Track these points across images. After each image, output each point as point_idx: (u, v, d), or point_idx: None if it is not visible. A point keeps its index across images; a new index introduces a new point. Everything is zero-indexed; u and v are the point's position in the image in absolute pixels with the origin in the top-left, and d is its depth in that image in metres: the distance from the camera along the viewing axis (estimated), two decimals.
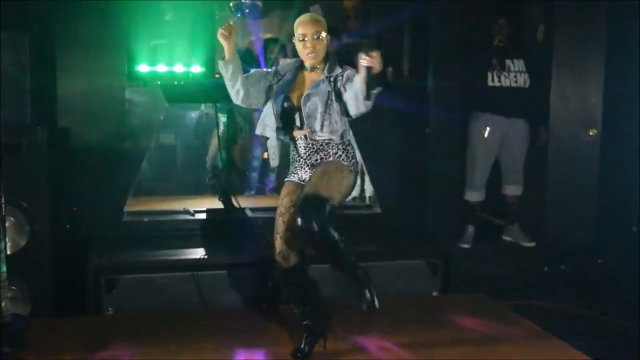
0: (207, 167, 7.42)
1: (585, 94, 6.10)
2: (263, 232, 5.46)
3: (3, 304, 3.92)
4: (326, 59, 3.94)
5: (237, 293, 4.93)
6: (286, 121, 3.96)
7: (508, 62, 5.98)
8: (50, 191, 4.69)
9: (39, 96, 4.72)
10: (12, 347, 3.94)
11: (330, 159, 3.90)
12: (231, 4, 7.03)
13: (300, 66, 4.00)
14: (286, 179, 4.07)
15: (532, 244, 6.09)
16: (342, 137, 3.91)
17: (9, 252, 4.23)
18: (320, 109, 3.84)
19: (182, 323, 4.59)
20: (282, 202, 3.96)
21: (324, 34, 3.87)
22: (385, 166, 5.92)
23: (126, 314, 4.77)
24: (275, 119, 3.94)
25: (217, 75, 5.75)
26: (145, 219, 5.65)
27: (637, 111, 5.63)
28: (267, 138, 4.04)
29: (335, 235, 3.65)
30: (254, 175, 7.72)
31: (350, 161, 3.93)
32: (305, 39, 3.84)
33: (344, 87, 3.80)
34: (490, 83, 5.97)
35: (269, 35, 7.46)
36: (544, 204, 6.19)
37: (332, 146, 3.91)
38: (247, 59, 6.40)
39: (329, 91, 3.84)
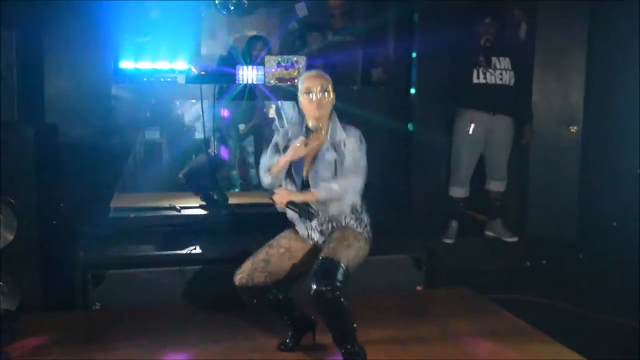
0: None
1: (567, 91, 6.16)
2: (248, 227, 5.53)
3: None
4: (329, 118, 3.86)
5: (223, 287, 4.96)
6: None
7: (494, 59, 6.04)
8: (37, 187, 4.71)
9: (26, 93, 4.72)
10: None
11: (343, 224, 3.86)
12: (217, 1, 7.04)
13: (307, 129, 3.85)
14: (290, 227, 4.02)
15: (515, 239, 6.15)
16: (351, 205, 3.87)
17: None
18: (327, 178, 3.79)
19: (168, 317, 4.64)
20: (279, 241, 3.95)
21: (330, 89, 3.82)
22: (369, 162, 5.95)
23: (113, 309, 4.79)
24: (296, 188, 3.85)
25: (202, 73, 5.79)
26: (132, 215, 5.67)
27: (618, 108, 5.70)
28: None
29: (347, 306, 3.56)
30: (234, 172, 7.77)
31: (364, 229, 3.88)
32: (311, 92, 3.78)
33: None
34: (475, 80, 6.03)
35: (253, 33, 7.48)
36: (525, 199, 6.26)
37: (344, 216, 3.86)
38: (232, 57, 6.44)
39: (335, 160, 3.78)
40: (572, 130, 6.14)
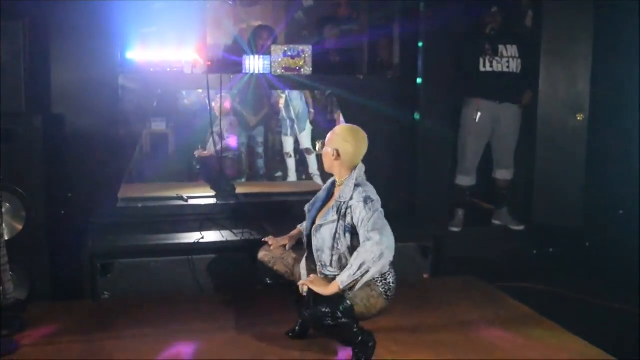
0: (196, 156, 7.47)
1: (574, 79, 6.15)
2: (255, 217, 5.55)
3: (5, 287, 3.98)
4: (349, 176, 3.71)
5: (231, 276, 4.99)
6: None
7: (501, 47, 6.04)
8: (45, 177, 4.73)
9: (33, 84, 4.74)
10: (10, 331, 4.01)
11: None
12: None
13: (334, 183, 3.84)
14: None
15: (521, 228, 6.16)
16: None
17: (6, 238, 4.27)
18: (328, 243, 3.65)
19: (177, 306, 4.66)
20: (290, 252, 3.95)
21: (329, 150, 3.71)
22: (375, 150, 5.96)
23: (122, 298, 4.83)
24: (307, 240, 3.82)
25: (208, 63, 5.80)
26: (139, 205, 5.70)
27: (624, 96, 5.69)
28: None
29: (346, 324, 3.50)
30: (243, 162, 7.80)
31: (383, 285, 3.62)
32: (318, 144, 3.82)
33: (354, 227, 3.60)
34: (482, 68, 6.03)
35: (259, 23, 7.49)
36: (532, 187, 6.25)
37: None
38: (237, 47, 6.46)
39: (335, 221, 3.61)
40: (578, 118, 6.14)
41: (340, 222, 3.60)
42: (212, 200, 5.82)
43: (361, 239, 3.54)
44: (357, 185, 3.65)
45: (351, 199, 3.60)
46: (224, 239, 5.17)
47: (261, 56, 5.68)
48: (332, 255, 3.64)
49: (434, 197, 6.02)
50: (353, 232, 3.60)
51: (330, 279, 3.58)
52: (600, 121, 6.04)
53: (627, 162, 5.59)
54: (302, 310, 3.61)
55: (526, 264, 5.88)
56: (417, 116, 6.04)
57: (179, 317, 4.45)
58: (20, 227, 4.63)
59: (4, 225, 4.24)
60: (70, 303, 4.75)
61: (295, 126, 7.85)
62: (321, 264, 3.72)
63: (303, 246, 3.94)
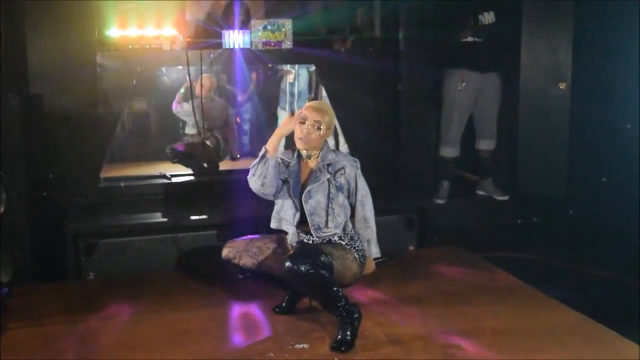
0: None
1: (555, 48, 6.13)
2: (238, 194, 5.53)
3: None
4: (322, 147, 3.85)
5: (215, 253, 4.98)
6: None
7: (480, 17, 5.99)
8: (25, 159, 4.68)
9: (9, 64, 4.67)
10: None
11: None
12: None
13: (299, 154, 3.89)
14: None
15: (505, 197, 6.17)
16: (344, 229, 3.83)
17: None
18: (322, 204, 3.78)
19: (162, 285, 4.67)
20: (280, 241, 3.93)
21: (323, 127, 3.76)
22: (359, 124, 5.95)
23: (106, 278, 4.81)
24: (295, 212, 3.82)
25: (188, 39, 5.73)
26: (122, 184, 5.66)
27: (606, 64, 5.68)
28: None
29: (322, 277, 3.53)
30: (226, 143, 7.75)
31: (356, 251, 3.83)
32: (305, 122, 3.75)
33: (355, 198, 3.86)
34: (463, 39, 5.99)
35: None
36: (515, 157, 6.26)
37: (336, 238, 3.82)
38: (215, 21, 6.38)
39: (327, 180, 3.78)
40: (560, 86, 6.13)
41: (332, 182, 3.78)
42: (195, 178, 5.79)
43: (357, 212, 3.87)
44: (334, 150, 3.93)
45: (339, 161, 3.83)
46: (208, 217, 5.16)
47: (241, 30, 5.62)
48: (327, 215, 3.78)
49: (417, 169, 6.02)
50: (342, 190, 3.82)
51: (325, 239, 3.79)
52: (583, 89, 6.03)
53: (610, 130, 5.59)
54: (283, 262, 3.59)
55: (511, 233, 5.90)
56: (399, 88, 6.01)
57: (164, 295, 4.45)
58: (1, 209, 4.57)
59: None
60: (56, 285, 4.73)
61: (295, 102, 7.86)
62: (315, 227, 3.79)
63: (264, 238, 3.96)
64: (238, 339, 3.82)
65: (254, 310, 4.17)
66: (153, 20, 5.50)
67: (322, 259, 3.58)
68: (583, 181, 5.99)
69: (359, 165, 3.90)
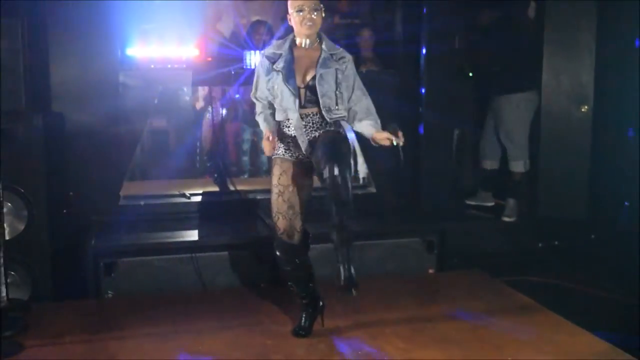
0: (202, 151, 7.41)
1: (577, 70, 6.11)
2: (258, 213, 5.53)
3: (2, 289, 3.95)
4: (318, 36, 3.95)
5: (235, 273, 4.97)
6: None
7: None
8: (46, 176, 4.70)
9: (33, 82, 4.71)
10: (12, 332, 3.98)
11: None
12: None
13: (292, 43, 3.97)
14: (275, 156, 3.99)
15: (512, 219, 6.10)
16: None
17: (7, 238, 4.24)
18: (333, 87, 3.88)
19: (181, 304, 4.63)
20: (279, 181, 3.92)
21: (322, 7, 3.87)
22: (379, 146, 5.92)
23: (126, 297, 4.81)
24: (294, 98, 3.86)
25: (209, 59, 5.77)
26: (142, 203, 5.67)
27: (628, 87, 5.65)
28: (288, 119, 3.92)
29: (350, 194, 3.63)
30: (245, 158, 7.76)
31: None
32: (303, 10, 3.81)
33: (353, 90, 3.95)
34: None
35: (257, 18, 7.46)
36: (537, 180, 6.21)
37: (340, 123, 3.96)
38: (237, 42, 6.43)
39: (336, 69, 3.88)
40: (582, 109, 6.09)
41: (339, 69, 3.90)
42: (215, 197, 5.79)
43: (359, 104, 3.97)
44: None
45: (341, 52, 3.98)
46: (228, 236, 5.15)
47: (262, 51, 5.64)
48: (337, 98, 3.89)
49: (438, 191, 5.99)
50: (346, 79, 3.95)
51: (334, 121, 3.91)
52: (605, 112, 5.99)
53: (632, 153, 5.54)
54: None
55: (532, 257, 5.84)
56: (421, 110, 6.00)
57: (183, 315, 4.42)
58: (21, 226, 4.60)
59: (5, 225, 4.20)
60: (74, 302, 4.72)
61: None
62: (326, 109, 3.87)
63: (278, 196, 3.93)
64: None
65: (274, 332, 4.13)
66: (175, 40, 5.54)
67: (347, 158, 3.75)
68: (605, 205, 5.93)
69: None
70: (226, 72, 5.70)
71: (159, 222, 5.41)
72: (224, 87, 6.08)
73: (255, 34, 6.59)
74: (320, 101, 3.85)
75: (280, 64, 3.89)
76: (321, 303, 4.07)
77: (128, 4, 5.32)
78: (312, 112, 3.88)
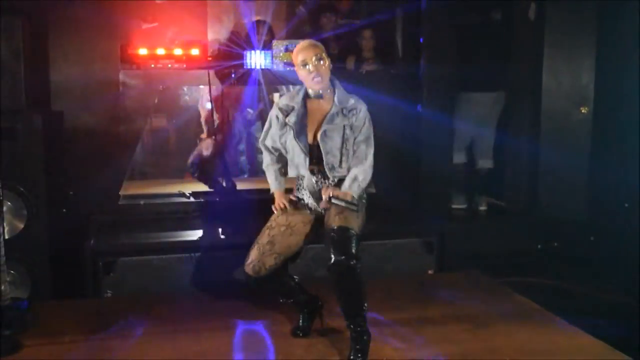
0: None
1: (577, 72, 6.11)
2: (257, 213, 5.52)
3: (2, 288, 3.95)
4: (332, 84, 3.83)
5: (234, 273, 4.96)
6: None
7: None
8: (46, 175, 4.70)
9: (33, 81, 4.71)
10: (12, 330, 3.98)
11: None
12: None
13: (306, 95, 3.85)
14: (286, 195, 3.95)
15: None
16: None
17: (7, 236, 4.24)
18: (338, 144, 3.76)
19: (180, 304, 4.64)
20: (277, 219, 3.86)
21: (325, 56, 3.75)
22: (378, 146, 5.92)
23: (125, 296, 4.81)
24: (305, 155, 3.78)
25: (209, 58, 5.76)
26: (141, 202, 5.67)
27: (629, 88, 5.65)
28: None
29: (363, 278, 3.55)
30: (243, 158, 7.76)
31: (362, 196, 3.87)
32: (308, 64, 3.71)
33: (359, 136, 3.79)
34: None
35: (258, 18, 7.45)
36: (536, 181, 6.22)
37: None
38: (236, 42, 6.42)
39: (344, 125, 3.75)
40: (582, 111, 6.10)
41: (347, 124, 3.76)
42: (214, 197, 5.79)
43: (358, 150, 3.78)
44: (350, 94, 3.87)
45: (358, 105, 3.81)
46: (227, 236, 5.15)
47: (262, 51, 5.64)
48: (341, 156, 3.77)
49: (437, 192, 5.99)
50: (354, 132, 3.79)
51: (338, 180, 3.78)
52: (605, 114, 6.00)
53: (632, 154, 5.54)
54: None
55: (531, 258, 5.85)
56: (420, 109, 6.00)
57: (182, 315, 4.43)
58: (21, 225, 4.61)
59: (4, 224, 4.21)
60: (73, 302, 4.73)
61: None
62: (330, 167, 3.77)
63: (266, 229, 3.87)
64: None
65: (272, 332, 4.13)
66: (175, 39, 5.53)
67: (355, 245, 3.56)
68: (605, 206, 5.93)
69: (362, 103, 3.86)
70: (226, 72, 5.69)
71: (158, 221, 5.41)
72: (224, 87, 6.07)
73: (256, 34, 6.58)
74: (324, 159, 3.75)
75: (292, 118, 3.79)
76: (320, 303, 4.08)
77: (129, 2, 5.32)
78: (322, 169, 3.79)
